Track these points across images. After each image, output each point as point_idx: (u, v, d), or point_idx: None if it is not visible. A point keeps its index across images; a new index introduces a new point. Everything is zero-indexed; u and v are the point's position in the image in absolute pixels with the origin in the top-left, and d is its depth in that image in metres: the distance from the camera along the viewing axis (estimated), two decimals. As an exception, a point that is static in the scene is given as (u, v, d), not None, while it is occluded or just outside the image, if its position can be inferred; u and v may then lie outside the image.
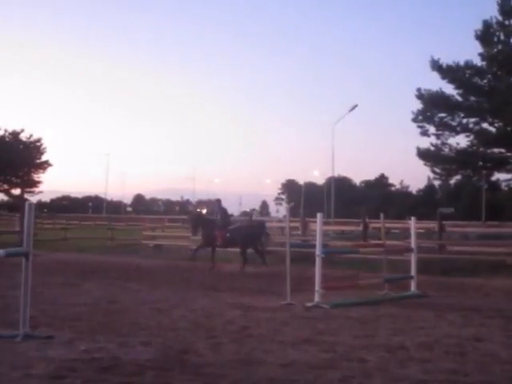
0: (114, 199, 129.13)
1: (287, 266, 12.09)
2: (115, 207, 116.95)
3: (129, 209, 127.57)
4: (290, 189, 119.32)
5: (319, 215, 12.24)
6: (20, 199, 39.45)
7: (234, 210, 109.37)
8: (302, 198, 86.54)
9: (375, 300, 12.30)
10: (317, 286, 11.65)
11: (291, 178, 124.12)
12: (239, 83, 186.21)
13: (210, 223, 21.36)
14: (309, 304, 11.39)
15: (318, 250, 11.84)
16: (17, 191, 39.15)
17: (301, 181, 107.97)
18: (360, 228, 25.40)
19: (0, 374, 6.25)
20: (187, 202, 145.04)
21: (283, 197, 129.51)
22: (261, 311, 10.74)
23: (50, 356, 7.05)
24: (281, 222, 41.57)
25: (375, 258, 19.18)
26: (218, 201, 22.02)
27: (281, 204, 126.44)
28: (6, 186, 38.21)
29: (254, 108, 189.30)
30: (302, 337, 8.42)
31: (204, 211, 25.70)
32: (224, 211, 21.52)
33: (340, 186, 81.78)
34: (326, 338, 8.32)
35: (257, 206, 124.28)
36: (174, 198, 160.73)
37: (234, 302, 11.78)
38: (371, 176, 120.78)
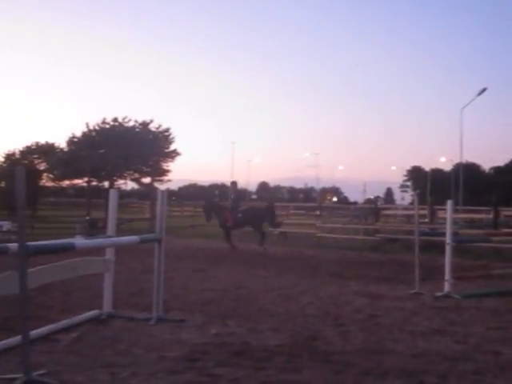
0: (240, 187, 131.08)
1: (416, 255, 11.85)
2: (241, 195, 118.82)
3: (254, 196, 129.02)
4: (416, 176, 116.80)
5: (449, 202, 11.90)
6: (150, 187, 40.71)
7: (357, 197, 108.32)
8: (429, 185, 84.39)
9: (509, 291, 11.79)
10: (447, 276, 11.34)
11: (417, 164, 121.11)
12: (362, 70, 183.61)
13: (221, 208, 22.58)
14: (438, 294, 11.12)
15: (448, 238, 11.52)
16: (147, 180, 40.34)
17: (427, 167, 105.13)
18: (490, 216, 24.53)
19: (136, 355, 6.51)
20: (311, 189, 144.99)
21: (408, 184, 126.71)
22: (389, 300, 10.60)
23: (182, 339, 7.28)
24: (407, 210, 40.89)
25: (507, 247, 18.50)
26: (234, 183, 23.55)
27: (406, 191, 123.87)
28: (136, 175, 39.40)
29: (377, 93, 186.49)
30: (432, 327, 8.25)
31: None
32: (238, 194, 23.39)
33: (468, 172, 79.11)
34: (458, 329, 8.10)
35: (381, 194, 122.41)
36: (298, 185, 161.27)
37: (360, 290, 11.69)
38: (501, 162, 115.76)
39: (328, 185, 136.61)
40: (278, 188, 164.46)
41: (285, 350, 6.78)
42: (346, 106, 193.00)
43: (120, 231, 9.64)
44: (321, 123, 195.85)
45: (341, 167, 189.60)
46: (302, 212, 46.39)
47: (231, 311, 9.17)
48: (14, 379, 5.43)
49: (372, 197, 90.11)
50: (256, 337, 7.44)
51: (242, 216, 21.89)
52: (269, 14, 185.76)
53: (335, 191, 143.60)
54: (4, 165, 43.38)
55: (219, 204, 24.51)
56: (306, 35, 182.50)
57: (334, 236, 26.59)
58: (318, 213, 36.73)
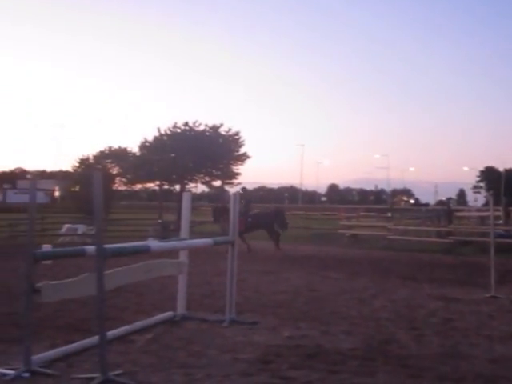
0: (309, 189, 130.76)
1: (491, 257, 11.57)
2: (310, 197, 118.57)
3: (323, 198, 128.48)
4: (489, 176, 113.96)
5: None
6: (220, 190, 41.08)
7: (429, 198, 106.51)
8: (502, 185, 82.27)
9: None
10: (525, 279, 11.04)
11: (490, 164, 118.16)
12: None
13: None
14: (516, 297, 10.85)
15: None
16: (217, 183, 40.72)
17: (501, 167, 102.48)
18: None
19: (210, 356, 6.55)
20: (381, 191, 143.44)
21: (481, 185, 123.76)
22: (464, 303, 10.39)
23: (255, 341, 7.30)
24: (480, 211, 40.00)
25: None
26: (244, 189, 23.75)
27: (479, 192, 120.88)
28: (207, 178, 39.78)
29: (449, 93, 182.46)
30: (510, 331, 8.04)
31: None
32: (248, 198, 24.35)
33: (545, 172, 76.67)
34: (538, 335, 7.88)
35: (453, 195, 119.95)
36: (368, 187, 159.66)
37: (434, 293, 11.49)
38: None
39: (399, 186, 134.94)
40: (347, 190, 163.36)
41: (358, 353, 6.72)
42: (416, 107, 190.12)
43: (192, 234, 9.73)
44: (391, 124, 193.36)
45: (412, 168, 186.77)
46: (373, 214, 45.93)
47: (303, 314, 9.15)
48: (92, 379, 5.55)
49: (444, 198, 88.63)
50: (329, 340, 7.40)
51: (252, 220, 22.34)
52: (335, 17, 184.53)
53: (406, 193, 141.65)
54: (78, 169, 44.47)
55: (228, 208, 24.43)
56: (370, 37, 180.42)
57: (406, 238, 26.21)
58: (389, 215, 36.34)
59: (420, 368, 6.12)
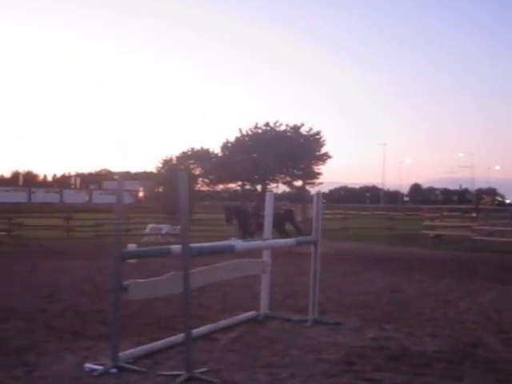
0: (391, 189, 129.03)
1: None
2: (392, 197, 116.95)
3: (406, 198, 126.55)
4: None
5: None
6: (301, 190, 41.01)
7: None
8: None
9: None
10: None
11: None
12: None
13: (243, 213, 23.17)
14: None
15: None
16: (298, 183, 40.62)
17: None
18: None
19: (294, 356, 6.57)
20: (465, 190, 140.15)
21: None
22: (555, 307, 10.05)
23: (339, 342, 7.27)
24: None
25: None
26: (254, 190, 23.93)
27: None
28: (288, 179, 39.77)
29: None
30: None
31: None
32: (259, 200, 23.96)
33: None
34: None
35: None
36: (452, 186, 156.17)
37: (523, 296, 11.17)
38: None
39: (484, 186, 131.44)
40: (431, 189, 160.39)
41: (444, 356, 6.60)
42: (502, 103, 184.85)
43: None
44: (475, 122, 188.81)
45: (497, 167, 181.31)
46: (457, 214, 44.89)
47: (387, 315, 9.05)
48: (177, 376, 5.65)
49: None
50: (414, 342, 7.30)
51: (263, 222, 22.22)
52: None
53: (491, 192, 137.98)
54: (162, 170, 45.19)
55: (242, 209, 25.03)
56: (452, 35, 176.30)
57: (492, 239, 25.51)
58: (473, 215, 35.44)
59: (509, 372, 5.97)
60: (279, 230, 22.73)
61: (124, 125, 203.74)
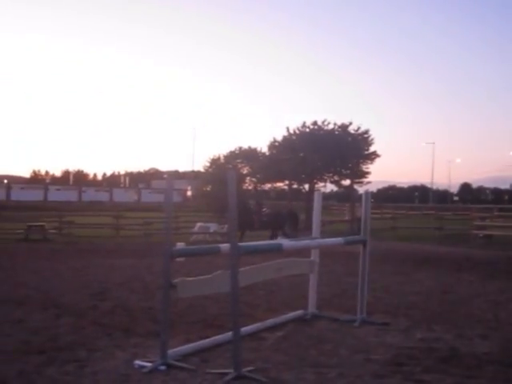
0: (440, 188, 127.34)
1: None
2: (441, 196, 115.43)
3: (455, 198, 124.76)
4: None
5: None
6: (349, 190, 40.82)
7: None
8: None
9: None
10: None
11: None
12: None
13: (246, 210, 23.17)
14: None
15: None
16: (346, 182, 40.43)
17: None
18: None
19: (342, 356, 6.55)
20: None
21: None
22: None
23: (387, 342, 7.22)
24: None
25: None
26: (256, 188, 26.31)
27: None
28: (336, 178, 39.61)
29: None
30: None
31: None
32: (258, 199, 26.21)
33: None
34: None
35: None
36: (503, 186, 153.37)
37: None
38: None
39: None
40: (481, 189, 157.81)
41: (495, 358, 6.49)
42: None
43: (322, 233, 9.74)
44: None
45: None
46: (509, 214, 44.07)
47: (437, 316, 8.95)
48: (225, 374, 5.68)
49: None
50: (463, 343, 7.20)
51: (266, 220, 24.02)
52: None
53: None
54: (210, 169, 45.43)
55: (247, 207, 24.96)
56: (483, 32, 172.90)
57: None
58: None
59: (562, 376, 5.85)
60: (278, 228, 24.01)
61: (172, 124, 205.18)
